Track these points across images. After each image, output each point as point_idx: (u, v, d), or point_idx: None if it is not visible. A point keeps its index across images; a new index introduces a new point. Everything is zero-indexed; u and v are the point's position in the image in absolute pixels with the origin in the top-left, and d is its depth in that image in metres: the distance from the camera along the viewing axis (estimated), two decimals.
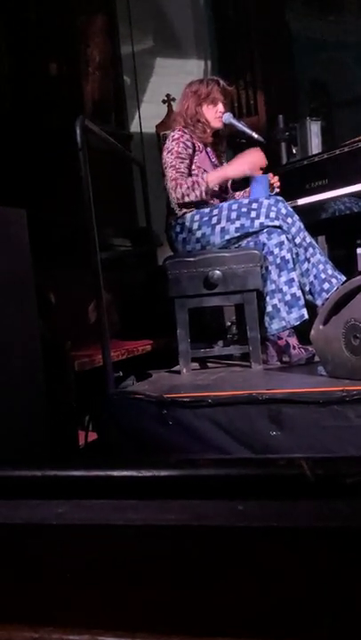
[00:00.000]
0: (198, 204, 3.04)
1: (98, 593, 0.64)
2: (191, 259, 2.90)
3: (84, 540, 0.66)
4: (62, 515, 0.67)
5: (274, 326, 2.84)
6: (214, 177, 2.98)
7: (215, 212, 2.97)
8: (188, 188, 2.92)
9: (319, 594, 0.58)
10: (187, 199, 2.94)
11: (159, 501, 0.65)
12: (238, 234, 2.92)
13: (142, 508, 0.65)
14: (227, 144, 3.40)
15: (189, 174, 3.01)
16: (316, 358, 2.64)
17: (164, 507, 0.64)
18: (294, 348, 2.85)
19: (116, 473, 0.68)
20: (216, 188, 3.06)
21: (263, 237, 2.87)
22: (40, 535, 0.68)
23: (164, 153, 3.06)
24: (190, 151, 3.03)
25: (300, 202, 3.37)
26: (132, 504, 0.65)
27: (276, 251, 2.85)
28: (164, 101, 5.11)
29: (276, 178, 3.11)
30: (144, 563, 0.63)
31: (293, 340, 2.86)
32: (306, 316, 2.82)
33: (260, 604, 0.59)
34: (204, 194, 2.94)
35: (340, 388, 2.18)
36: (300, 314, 2.82)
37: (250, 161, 2.96)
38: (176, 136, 3.04)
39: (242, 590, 0.60)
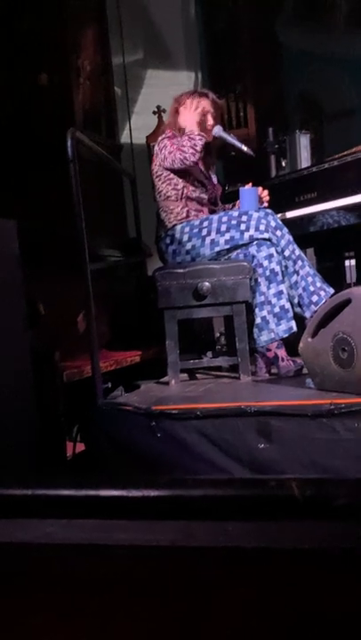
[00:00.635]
0: (188, 216, 3.05)
1: (87, 613, 0.64)
2: (181, 270, 2.91)
3: (73, 559, 0.66)
4: (52, 534, 0.67)
5: (263, 338, 2.86)
6: (194, 132, 3.01)
7: (205, 223, 2.99)
8: (188, 141, 2.96)
9: (309, 613, 0.58)
10: (198, 147, 2.97)
11: (148, 522, 0.65)
12: (228, 246, 2.94)
13: (131, 529, 0.65)
14: (216, 156, 3.42)
15: (181, 175, 3.05)
16: (305, 370, 2.66)
17: (153, 527, 0.64)
18: (283, 360, 2.86)
19: (105, 493, 0.69)
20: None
21: (253, 250, 2.89)
22: (30, 554, 0.68)
23: (159, 150, 3.05)
24: None
25: (289, 215, 3.40)
26: (121, 524, 0.65)
27: (266, 263, 2.86)
28: (154, 112, 5.13)
29: (266, 192, 3.13)
30: (133, 583, 0.64)
31: (282, 352, 2.87)
32: (294, 328, 2.83)
33: (249, 624, 0.60)
34: (203, 138, 2.99)
35: (329, 401, 2.19)
36: (288, 326, 2.84)
37: (198, 112, 3.07)
38: (168, 135, 3.06)
39: (231, 610, 0.60)
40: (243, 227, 2.91)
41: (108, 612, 0.63)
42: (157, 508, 0.67)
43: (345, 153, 3.25)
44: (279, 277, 2.87)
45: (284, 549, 0.59)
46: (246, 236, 2.90)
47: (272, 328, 2.84)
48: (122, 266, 4.13)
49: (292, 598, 0.58)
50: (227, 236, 2.93)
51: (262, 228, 2.89)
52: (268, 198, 3.12)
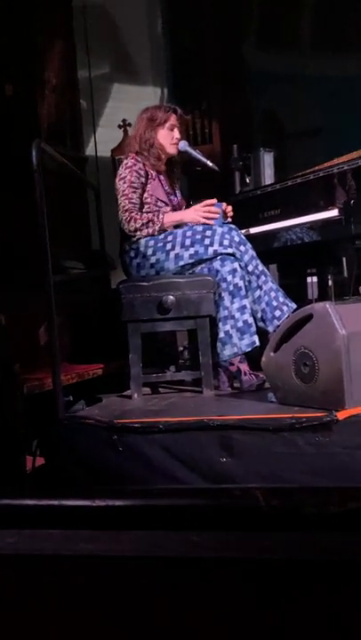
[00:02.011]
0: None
1: (50, 624, 0.63)
2: (145, 283, 2.91)
3: (35, 570, 0.65)
4: (14, 544, 0.66)
5: (226, 352, 2.87)
6: (170, 220, 3.01)
7: (170, 238, 3.00)
8: (143, 224, 2.97)
9: (272, 624, 0.58)
10: (138, 234, 2.99)
11: (113, 532, 0.64)
12: (192, 260, 2.95)
13: (96, 539, 0.64)
14: (181, 171, 3.44)
15: (141, 205, 3.04)
16: (267, 385, 2.67)
17: (117, 537, 0.64)
18: (245, 374, 2.88)
19: (69, 503, 0.68)
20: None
21: (217, 264, 2.91)
22: None
23: (117, 180, 3.09)
24: (143, 180, 3.06)
25: (253, 230, 3.43)
26: (85, 534, 0.64)
27: (230, 278, 2.88)
28: (120, 126, 5.15)
29: (230, 207, 3.15)
30: (96, 594, 0.63)
31: (245, 367, 2.89)
32: (257, 343, 2.85)
33: (216, 634, 0.59)
34: (155, 232, 2.99)
35: (290, 416, 2.21)
36: (251, 340, 2.85)
37: (207, 215, 2.99)
38: (129, 164, 3.08)
39: (198, 621, 0.59)
40: (207, 241, 2.93)
41: (72, 623, 0.62)
42: (123, 517, 0.66)
43: (308, 171, 3.31)
44: (243, 292, 2.89)
45: (249, 559, 0.59)
46: (210, 250, 2.92)
47: (235, 342, 2.85)
48: (85, 278, 4.11)
49: (258, 608, 0.58)
50: (191, 251, 2.95)
51: (226, 243, 2.91)
52: (231, 214, 3.15)
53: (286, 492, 0.67)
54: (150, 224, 2.97)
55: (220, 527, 0.63)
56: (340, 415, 2.14)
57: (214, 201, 3.03)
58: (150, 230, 2.98)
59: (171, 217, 3.02)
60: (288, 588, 0.59)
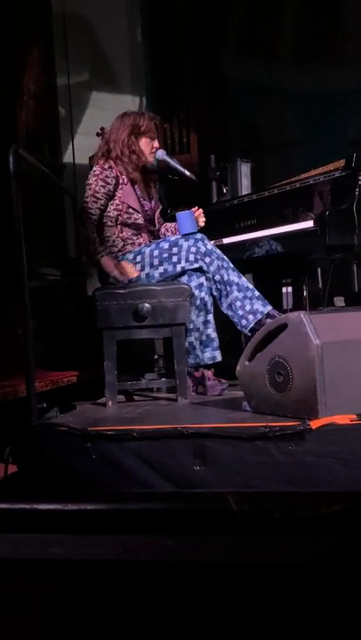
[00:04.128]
0: (125, 245, 3.08)
1: (20, 628, 0.62)
2: (121, 291, 2.92)
3: (6, 574, 0.64)
4: None
5: (189, 360, 2.95)
6: (105, 264, 3.02)
7: (138, 258, 3.04)
8: (86, 243, 3.04)
9: (245, 624, 0.58)
10: (84, 243, 3.06)
11: (86, 536, 0.64)
12: (162, 278, 3.02)
13: (68, 543, 0.64)
14: (159, 180, 3.46)
15: (100, 215, 3.08)
16: (229, 390, 2.80)
17: (90, 541, 0.63)
18: (210, 379, 2.96)
19: (41, 506, 0.67)
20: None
21: (185, 279, 2.96)
22: None
23: (86, 186, 3.11)
24: (111, 187, 3.07)
25: (229, 240, 3.45)
26: (57, 538, 0.64)
27: (197, 292, 2.95)
28: (98, 134, 5.13)
29: (201, 211, 3.16)
30: (68, 598, 0.62)
31: (209, 373, 2.98)
32: (218, 358, 2.96)
33: (186, 635, 0.59)
34: (87, 259, 3.06)
35: (264, 424, 2.21)
36: (212, 355, 2.96)
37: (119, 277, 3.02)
38: (97, 172, 3.10)
39: (168, 624, 0.59)
40: (174, 259, 2.98)
41: (42, 628, 0.62)
42: (95, 521, 0.65)
43: (284, 182, 3.34)
44: (208, 306, 2.97)
45: (222, 564, 0.59)
46: (178, 267, 2.98)
47: (198, 354, 2.98)
48: (61, 285, 4.10)
49: (231, 611, 0.58)
50: (160, 269, 3.01)
51: (192, 258, 2.95)
52: (203, 219, 3.15)
53: (258, 496, 0.67)
54: (94, 247, 3.02)
55: (195, 531, 0.63)
56: (314, 424, 2.15)
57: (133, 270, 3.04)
58: (85, 253, 3.05)
59: (108, 262, 3.02)
60: (261, 591, 0.59)
